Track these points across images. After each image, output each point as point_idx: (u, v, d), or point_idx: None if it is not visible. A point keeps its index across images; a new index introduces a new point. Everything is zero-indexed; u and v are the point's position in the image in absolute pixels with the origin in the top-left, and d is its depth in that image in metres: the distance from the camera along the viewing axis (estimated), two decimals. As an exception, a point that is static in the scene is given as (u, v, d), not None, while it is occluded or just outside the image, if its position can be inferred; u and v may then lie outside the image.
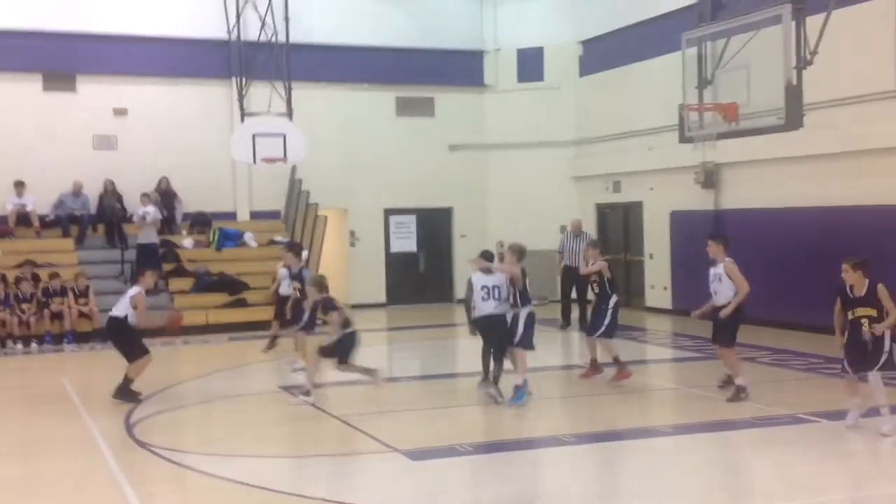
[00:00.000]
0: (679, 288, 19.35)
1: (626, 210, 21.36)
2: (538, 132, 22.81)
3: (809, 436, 9.04)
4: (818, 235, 15.70)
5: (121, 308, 11.36)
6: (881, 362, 8.76)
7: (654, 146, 19.83)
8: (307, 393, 10.87)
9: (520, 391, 10.54)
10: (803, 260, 15.93)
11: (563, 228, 22.60)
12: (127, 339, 11.32)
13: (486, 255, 11.18)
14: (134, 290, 11.40)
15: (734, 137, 14.35)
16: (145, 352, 11.29)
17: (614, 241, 21.76)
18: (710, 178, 18.25)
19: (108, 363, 15.19)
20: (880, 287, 8.82)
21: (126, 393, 11.11)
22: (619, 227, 21.73)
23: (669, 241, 19.60)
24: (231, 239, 20.17)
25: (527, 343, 10.77)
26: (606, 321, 11.90)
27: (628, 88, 20.69)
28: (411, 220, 22.82)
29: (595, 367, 12.16)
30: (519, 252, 10.80)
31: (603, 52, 21.77)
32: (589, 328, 12.42)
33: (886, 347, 8.74)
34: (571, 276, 16.98)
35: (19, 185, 19.14)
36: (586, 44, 22.48)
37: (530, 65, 23.10)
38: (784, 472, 7.91)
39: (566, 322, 17.64)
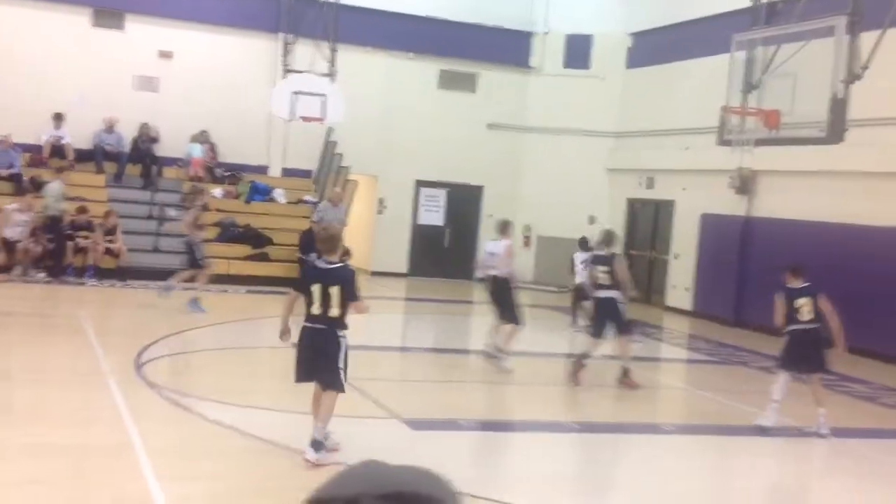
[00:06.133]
0: (701, 291, 19.25)
1: (657, 207, 21.23)
2: (579, 120, 22.65)
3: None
4: (840, 250, 15.49)
5: None
6: None
7: (690, 146, 19.66)
8: None
9: None
10: (825, 274, 15.73)
11: (591, 219, 22.61)
12: None
13: (583, 242, 12.76)
14: None
15: (773, 145, 14.21)
16: None
17: (642, 237, 21.65)
18: (745, 183, 18.07)
19: (126, 301, 15.42)
20: None
21: None
22: (648, 223, 21.60)
23: (697, 242, 19.47)
24: (260, 193, 20.25)
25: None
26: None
27: (672, 85, 20.49)
28: (441, 195, 22.79)
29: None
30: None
31: (652, 46, 21.55)
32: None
33: None
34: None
35: (58, 118, 19.29)
36: (637, 36, 22.28)
37: (578, 51, 22.91)
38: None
39: None
